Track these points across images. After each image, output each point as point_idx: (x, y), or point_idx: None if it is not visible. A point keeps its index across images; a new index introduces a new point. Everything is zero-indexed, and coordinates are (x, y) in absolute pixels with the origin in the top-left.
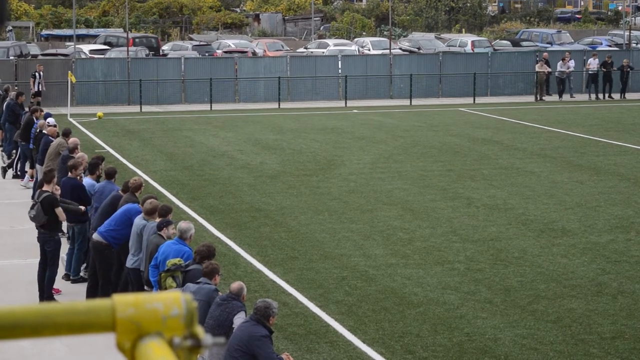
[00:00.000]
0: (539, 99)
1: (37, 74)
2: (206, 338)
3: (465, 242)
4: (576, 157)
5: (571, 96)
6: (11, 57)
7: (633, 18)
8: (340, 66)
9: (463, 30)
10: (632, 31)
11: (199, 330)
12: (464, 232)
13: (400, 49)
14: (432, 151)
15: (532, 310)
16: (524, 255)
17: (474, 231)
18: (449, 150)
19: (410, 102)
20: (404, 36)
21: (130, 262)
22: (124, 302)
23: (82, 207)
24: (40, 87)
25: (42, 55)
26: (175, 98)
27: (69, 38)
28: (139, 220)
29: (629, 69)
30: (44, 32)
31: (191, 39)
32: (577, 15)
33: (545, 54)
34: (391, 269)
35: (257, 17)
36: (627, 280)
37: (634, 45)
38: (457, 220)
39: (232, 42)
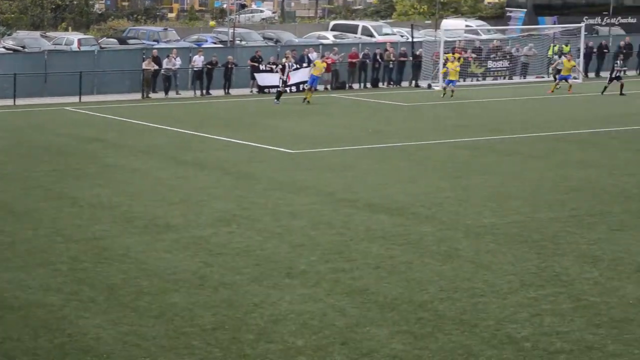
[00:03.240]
0: (145, 96)
1: None
2: None
3: (69, 242)
4: (181, 153)
5: (177, 93)
6: None
7: (237, 16)
8: None
9: (70, 28)
10: (236, 29)
11: None
12: (67, 232)
13: (5, 47)
14: (37, 151)
15: (135, 306)
16: (128, 253)
17: (79, 230)
18: (55, 150)
19: (14, 102)
20: (9, 35)
21: None
22: None
23: None
24: None
25: None
26: None
27: None
28: None
29: (233, 66)
30: None
31: None
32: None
33: (154, 51)
34: None
35: None
36: (228, 272)
37: (237, 42)
38: (61, 221)
39: None
